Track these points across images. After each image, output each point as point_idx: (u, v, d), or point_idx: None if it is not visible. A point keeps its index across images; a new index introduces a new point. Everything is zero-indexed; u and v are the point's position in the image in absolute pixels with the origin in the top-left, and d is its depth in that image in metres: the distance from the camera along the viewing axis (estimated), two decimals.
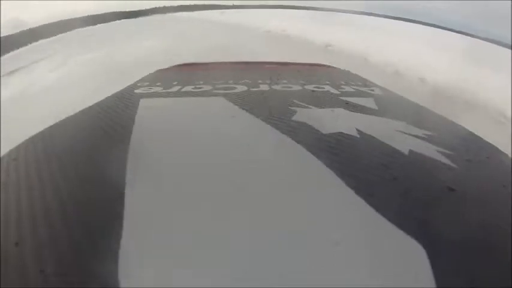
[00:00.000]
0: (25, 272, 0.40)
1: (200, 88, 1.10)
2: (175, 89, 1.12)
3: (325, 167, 0.54)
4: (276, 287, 0.36)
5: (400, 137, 0.68)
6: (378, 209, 0.45)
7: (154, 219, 0.46)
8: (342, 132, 0.68)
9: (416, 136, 0.69)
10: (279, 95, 1.01)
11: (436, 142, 0.67)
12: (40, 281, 0.38)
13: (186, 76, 1.36)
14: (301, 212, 0.46)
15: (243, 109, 0.84)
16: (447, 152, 0.63)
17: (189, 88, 1.11)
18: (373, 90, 1.14)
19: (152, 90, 1.11)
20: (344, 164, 0.56)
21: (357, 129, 0.69)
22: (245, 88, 1.08)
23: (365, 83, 1.27)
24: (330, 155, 0.58)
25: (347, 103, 0.93)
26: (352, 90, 1.11)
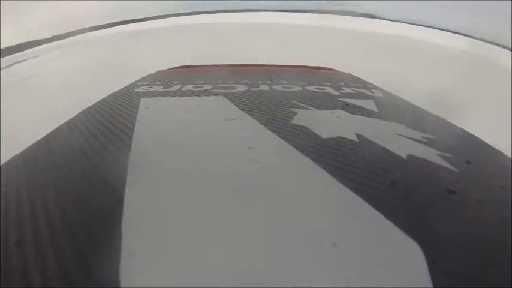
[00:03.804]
0: (25, 272, 0.40)
1: (200, 87, 1.10)
2: (175, 88, 1.12)
3: (324, 172, 0.54)
4: (275, 287, 0.36)
5: (400, 141, 0.68)
6: (377, 210, 0.46)
7: (155, 219, 0.46)
8: (341, 137, 0.68)
9: (416, 140, 0.69)
10: (279, 96, 1.01)
11: (436, 145, 0.67)
12: (40, 281, 0.38)
13: (186, 76, 1.36)
14: (299, 214, 0.46)
15: (243, 110, 0.84)
16: (446, 155, 0.63)
17: (189, 87, 1.11)
18: (373, 92, 1.14)
19: (152, 89, 1.11)
20: (343, 168, 0.56)
21: (356, 134, 0.69)
22: (245, 88, 1.08)
23: (365, 85, 1.27)
24: (329, 160, 0.58)
25: (347, 104, 0.93)
26: (352, 91, 1.11)
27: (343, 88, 1.15)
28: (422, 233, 0.43)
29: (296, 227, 0.44)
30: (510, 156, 0.70)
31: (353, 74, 1.56)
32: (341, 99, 1.00)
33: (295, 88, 1.11)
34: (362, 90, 1.14)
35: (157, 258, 0.39)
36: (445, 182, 0.56)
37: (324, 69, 1.72)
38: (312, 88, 1.12)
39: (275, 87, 1.11)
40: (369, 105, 0.95)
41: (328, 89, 1.12)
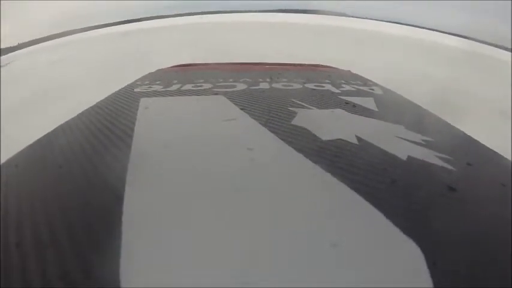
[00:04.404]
0: (25, 272, 0.39)
1: (200, 86, 1.10)
2: (175, 87, 1.12)
3: (324, 172, 0.54)
4: (275, 287, 0.36)
5: (399, 143, 0.68)
6: (377, 210, 0.45)
7: (155, 219, 0.46)
8: (341, 139, 0.68)
9: (416, 142, 0.69)
10: (279, 94, 1.01)
11: (436, 147, 0.67)
12: (40, 281, 0.38)
13: (186, 75, 1.36)
14: (299, 214, 0.46)
15: (243, 109, 0.84)
16: (446, 157, 0.63)
17: (189, 87, 1.11)
18: (373, 89, 1.14)
19: (152, 89, 1.11)
20: (342, 169, 0.56)
21: (356, 136, 0.69)
22: (245, 86, 1.08)
23: (365, 82, 1.27)
24: (329, 162, 0.58)
25: (347, 103, 0.93)
26: (352, 89, 1.11)
27: (343, 85, 1.15)
28: (422, 233, 0.43)
29: (295, 227, 0.44)
30: (510, 158, 0.70)
31: (353, 72, 1.56)
32: (341, 97, 1.00)
33: (295, 86, 1.11)
34: (362, 88, 1.14)
35: (157, 258, 0.39)
36: (445, 182, 0.56)
37: (323, 67, 1.72)
38: (311, 86, 1.12)
39: (275, 85, 1.11)
40: (369, 103, 0.95)
41: (328, 87, 1.12)
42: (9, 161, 0.69)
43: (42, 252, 0.42)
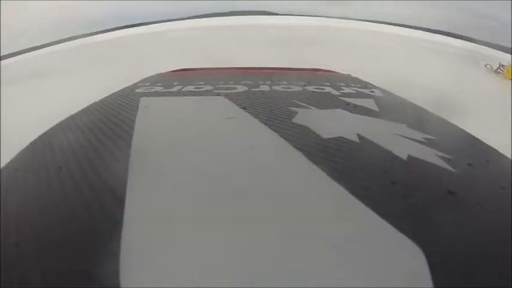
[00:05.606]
0: (25, 272, 0.40)
1: (201, 88, 1.10)
2: (176, 88, 1.12)
3: (325, 173, 0.54)
4: (275, 287, 0.36)
5: (400, 142, 0.68)
6: (376, 212, 0.45)
7: (155, 219, 0.46)
8: (342, 137, 0.68)
9: (417, 141, 0.69)
10: (279, 95, 1.01)
11: (436, 146, 0.66)
12: (40, 281, 0.38)
13: (186, 78, 1.36)
14: (299, 215, 0.46)
15: (243, 109, 0.84)
16: (447, 156, 0.63)
17: (190, 88, 1.11)
18: (373, 91, 1.14)
19: (153, 90, 1.11)
20: (343, 169, 0.56)
21: (357, 134, 0.69)
22: (246, 88, 1.08)
23: (365, 85, 1.27)
24: (330, 161, 0.58)
25: (347, 104, 0.93)
26: (352, 91, 1.11)
27: (343, 88, 1.15)
28: (422, 234, 0.43)
29: (295, 228, 0.44)
30: (511, 158, 0.70)
31: (353, 76, 1.56)
32: (341, 98, 1.00)
33: (295, 88, 1.11)
34: (362, 90, 1.14)
35: (157, 258, 0.39)
36: (445, 183, 0.56)
37: (323, 71, 1.72)
38: (311, 88, 1.12)
39: (275, 87, 1.11)
40: (370, 104, 0.95)
41: (328, 89, 1.12)
42: (10, 162, 0.69)
43: (42, 252, 0.42)
